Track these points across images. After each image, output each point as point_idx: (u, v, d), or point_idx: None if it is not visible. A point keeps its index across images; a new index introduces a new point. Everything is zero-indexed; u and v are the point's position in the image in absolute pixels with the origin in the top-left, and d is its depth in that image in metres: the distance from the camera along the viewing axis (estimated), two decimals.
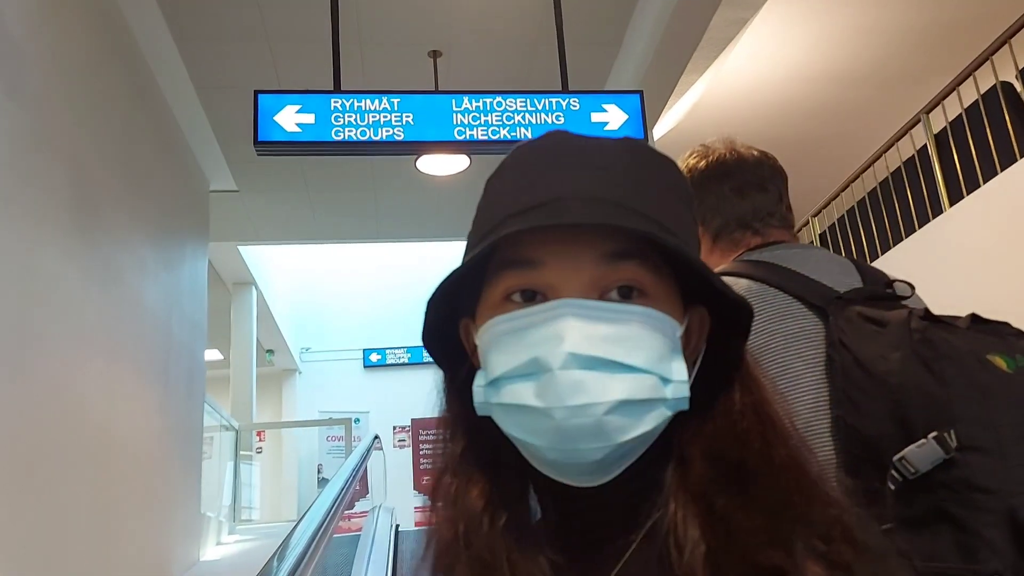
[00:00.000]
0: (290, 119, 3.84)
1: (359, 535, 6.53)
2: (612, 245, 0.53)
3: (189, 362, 5.89)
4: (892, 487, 0.89)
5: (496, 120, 4.03)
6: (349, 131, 3.86)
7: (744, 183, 1.28)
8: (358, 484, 8.32)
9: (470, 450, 0.61)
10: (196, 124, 5.81)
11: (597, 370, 0.50)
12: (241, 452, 8.23)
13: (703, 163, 1.31)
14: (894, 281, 1.09)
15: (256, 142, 3.82)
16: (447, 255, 7.64)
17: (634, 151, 0.58)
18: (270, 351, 11.28)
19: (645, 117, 4.18)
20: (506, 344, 0.53)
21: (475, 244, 0.57)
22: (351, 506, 8.81)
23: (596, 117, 4.13)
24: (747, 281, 1.12)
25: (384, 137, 3.89)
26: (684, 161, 1.33)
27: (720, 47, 5.01)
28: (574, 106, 4.12)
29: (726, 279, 0.99)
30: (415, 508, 10.37)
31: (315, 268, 12.61)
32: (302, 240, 8.35)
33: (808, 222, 7.53)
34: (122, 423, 4.23)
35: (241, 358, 8.77)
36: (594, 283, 0.53)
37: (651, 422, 0.52)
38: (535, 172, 0.57)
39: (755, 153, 1.31)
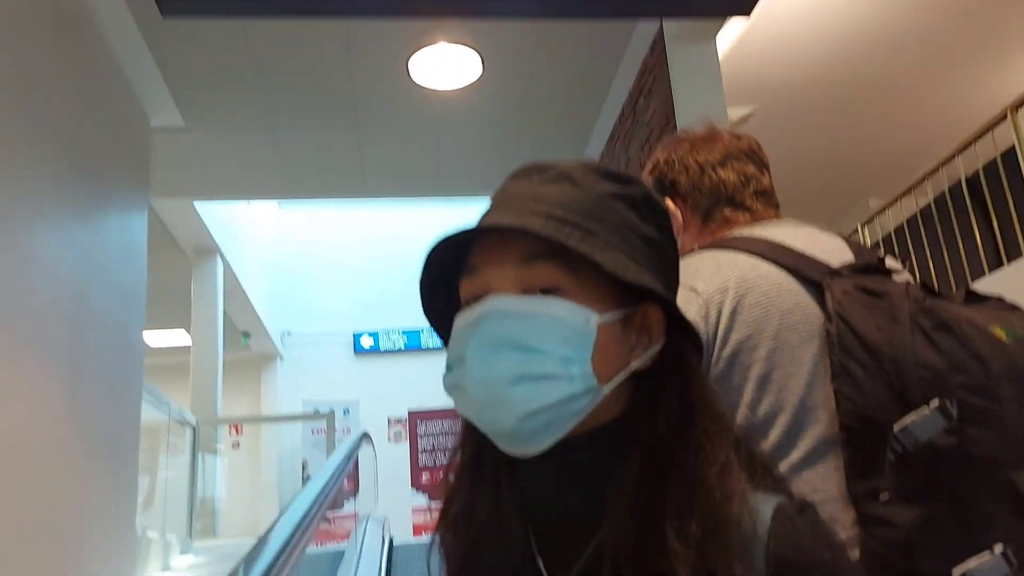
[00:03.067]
0: None
1: (344, 549, 5.40)
2: (527, 248, 0.65)
3: (117, 344, 4.52)
4: (892, 458, 0.88)
5: None
6: None
7: (727, 156, 1.28)
8: (346, 481, 7.01)
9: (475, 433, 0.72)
10: (128, 40, 4.42)
11: (501, 352, 0.63)
12: (205, 452, 6.86)
13: (686, 144, 1.31)
14: (884, 256, 1.09)
15: None
16: (451, 221, 6.13)
17: (589, 169, 0.71)
18: (245, 334, 9.90)
19: None
20: (454, 337, 0.68)
21: None
22: (339, 505, 7.49)
23: None
24: (742, 255, 1.10)
25: None
26: (666, 144, 1.34)
27: None
28: None
29: (716, 253, 1.12)
30: (413, 509, 9.15)
31: (295, 237, 11.23)
32: (270, 195, 6.93)
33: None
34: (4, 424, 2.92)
35: (204, 340, 7.38)
36: (516, 282, 0.66)
37: (554, 395, 0.63)
38: (501, 189, 0.72)
39: (736, 133, 1.32)
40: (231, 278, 8.06)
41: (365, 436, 6.29)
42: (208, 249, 7.45)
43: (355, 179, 6.38)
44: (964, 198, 5.19)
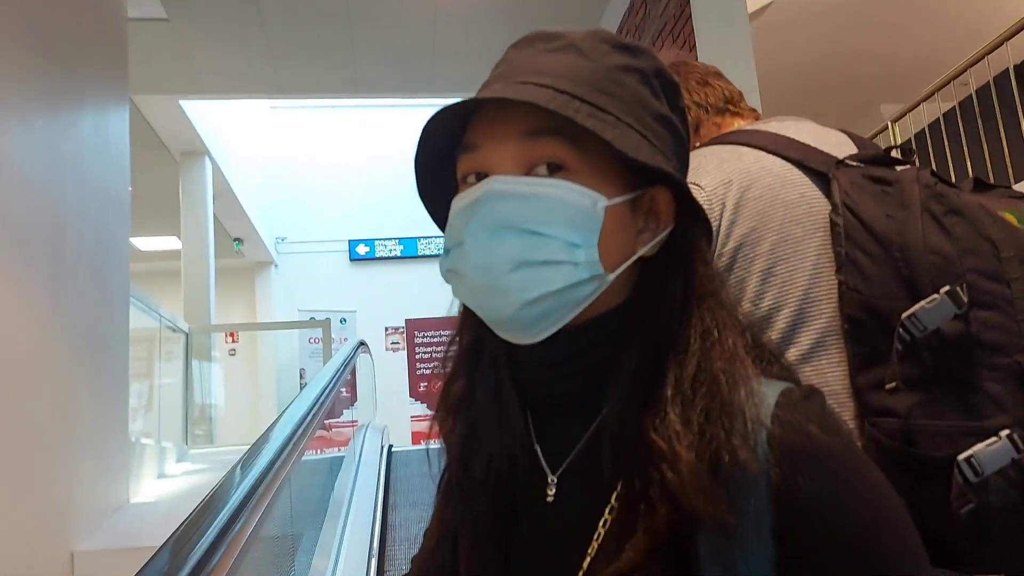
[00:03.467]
0: None
1: (342, 456, 5.32)
2: (529, 123, 0.59)
3: (100, 248, 4.31)
4: (899, 347, 0.86)
5: None
6: None
7: (705, 74, 1.30)
8: (346, 389, 6.97)
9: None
10: None
11: (502, 235, 0.58)
12: (200, 359, 6.74)
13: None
14: (890, 148, 1.06)
15: None
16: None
17: (598, 39, 0.64)
18: (238, 240, 9.68)
19: None
20: (451, 221, 0.62)
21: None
22: (338, 414, 7.47)
23: None
24: (745, 148, 1.09)
25: None
26: None
27: None
28: None
29: (718, 148, 1.11)
30: (412, 418, 9.14)
31: (288, 141, 10.89)
32: (260, 93, 6.59)
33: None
34: None
35: (194, 246, 7.16)
36: (517, 160, 0.60)
37: (557, 282, 0.58)
38: (502, 60, 0.67)
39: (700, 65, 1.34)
40: (221, 181, 7.79)
41: (362, 344, 6.18)
42: (196, 151, 7.15)
43: (348, 75, 6.05)
44: (990, 101, 4.90)
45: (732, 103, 1.29)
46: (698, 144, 1.22)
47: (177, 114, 6.44)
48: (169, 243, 10.03)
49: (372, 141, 10.98)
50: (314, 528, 3.92)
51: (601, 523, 0.59)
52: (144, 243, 10.14)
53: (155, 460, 5.08)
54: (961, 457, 0.82)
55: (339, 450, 5.88)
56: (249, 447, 1.88)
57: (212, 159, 7.35)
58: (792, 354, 0.97)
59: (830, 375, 0.95)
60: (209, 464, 5.69)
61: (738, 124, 1.25)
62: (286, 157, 10.87)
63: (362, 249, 11.06)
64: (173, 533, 1.21)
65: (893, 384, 0.87)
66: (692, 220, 0.64)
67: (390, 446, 5.79)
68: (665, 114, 0.64)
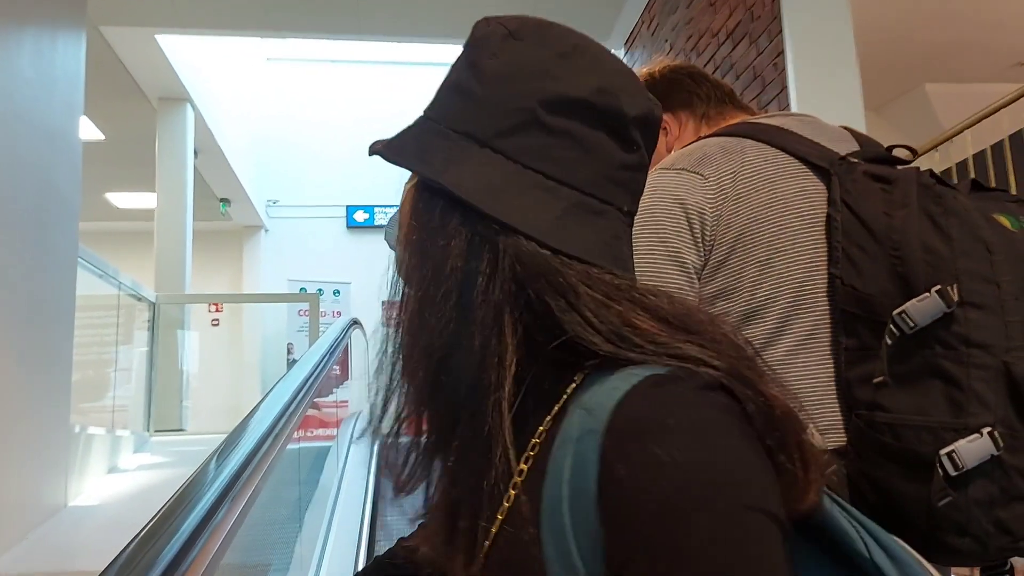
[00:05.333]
0: None
1: (330, 446, 4.92)
2: None
3: (42, 198, 3.53)
4: (888, 342, 0.89)
5: None
6: None
7: (703, 74, 1.32)
8: (337, 367, 6.44)
9: None
10: None
11: None
12: (170, 332, 5.95)
13: (656, 69, 1.32)
14: (894, 147, 1.09)
15: None
16: None
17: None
18: (224, 200, 8.87)
19: None
20: None
21: None
22: (326, 393, 6.96)
23: None
24: (748, 140, 1.09)
25: None
26: (652, 65, 1.35)
27: None
28: None
29: (723, 139, 1.10)
30: None
31: (283, 95, 10.02)
32: (246, 30, 5.74)
33: None
34: None
35: (171, 204, 6.34)
36: None
37: None
38: None
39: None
40: (204, 133, 6.96)
41: (355, 323, 5.46)
42: (176, 96, 6.31)
43: (349, 15, 5.22)
44: None
45: (731, 97, 1.30)
46: (702, 135, 1.19)
47: (154, 52, 5.61)
48: (150, 200, 9.23)
49: (375, 99, 10.13)
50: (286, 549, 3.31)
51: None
52: (121, 199, 9.32)
53: (105, 452, 4.32)
54: (943, 452, 0.83)
55: (326, 430, 5.25)
56: (225, 437, 1.43)
57: (195, 107, 6.51)
58: (785, 345, 0.96)
59: (820, 367, 0.95)
60: (172, 455, 4.93)
61: (742, 116, 1.25)
62: (281, 114, 10.02)
63: (360, 216, 10.26)
64: (117, 557, 0.82)
65: (881, 379, 0.88)
66: None
67: None
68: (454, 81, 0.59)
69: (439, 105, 0.58)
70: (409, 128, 0.60)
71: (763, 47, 3.64)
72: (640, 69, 1.30)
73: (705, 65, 4.23)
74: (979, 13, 5.47)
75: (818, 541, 0.50)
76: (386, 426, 0.57)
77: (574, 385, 0.50)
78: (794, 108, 3.35)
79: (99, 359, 4.87)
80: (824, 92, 3.37)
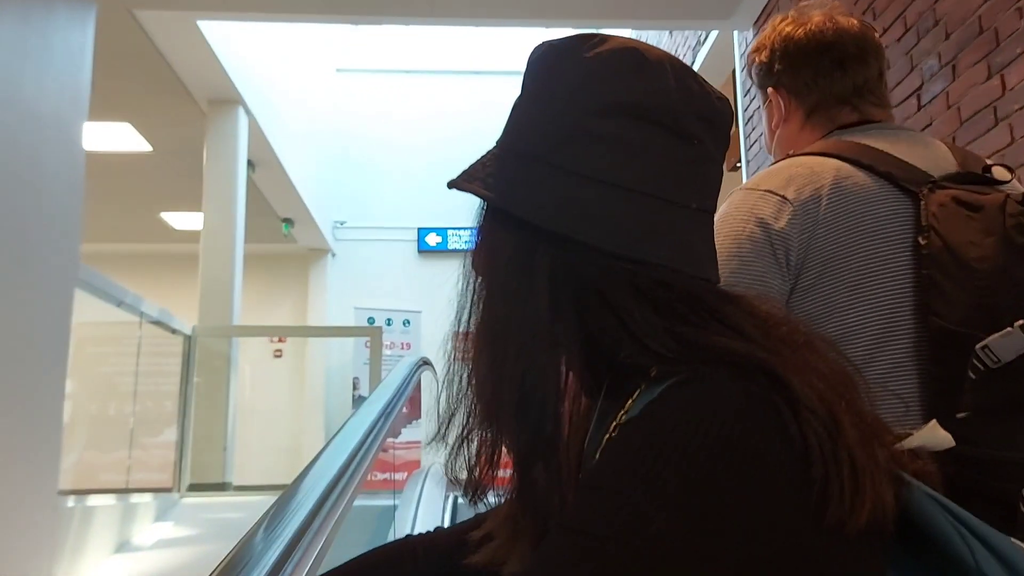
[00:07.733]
0: None
1: (394, 506, 4.15)
2: None
3: (22, 205, 2.70)
4: (972, 376, 0.86)
5: None
6: None
7: (845, 56, 1.17)
8: (407, 407, 5.59)
9: None
10: None
11: None
12: (212, 368, 5.11)
13: (800, 31, 1.18)
14: (992, 165, 1.03)
15: None
16: None
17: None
18: (287, 220, 8.10)
19: None
20: None
21: None
22: (396, 433, 6.09)
23: None
24: (836, 161, 1.05)
25: None
26: (776, 28, 1.20)
27: None
28: None
29: (811, 158, 1.05)
30: None
31: (351, 107, 9.27)
32: (302, 14, 4.89)
33: None
34: None
35: (219, 220, 5.54)
36: None
37: None
38: None
39: (855, 23, 1.19)
40: (261, 142, 6.17)
41: (425, 363, 4.56)
42: (226, 98, 5.53)
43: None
44: None
45: (858, 93, 1.16)
46: (791, 153, 1.13)
47: (198, 43, 4.83)
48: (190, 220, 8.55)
49: (451, 113, 9.31)
50: None
51: None
52: (177, 219, 8.67)
53: (112, 525, 3.43)
54: None
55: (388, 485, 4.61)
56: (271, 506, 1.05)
57: (248, 111, 5.73)
58: (874, 372, 0.93)
59: (908, 397, 0.93)
60: (206, 525, 4.01)
61: (855, 118, 1.15)
62: (349, 128, 9.29)
63: (433, 239, 9.41)
64: None
65: (965, 414, 0.86)
66: None
67: (455, 496, 4.48)
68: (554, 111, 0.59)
69: (503, 131, 0.60)
70: (481, 158, 0.60)
71: None
72: (786, 15, 1.20)
73: (894, 22, 3.15)
74: None
75: (910, 543, 0.48)
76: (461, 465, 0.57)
77: (641, 389, 0.51)
78: None
79: (115, 405, 4.02)
80: None
